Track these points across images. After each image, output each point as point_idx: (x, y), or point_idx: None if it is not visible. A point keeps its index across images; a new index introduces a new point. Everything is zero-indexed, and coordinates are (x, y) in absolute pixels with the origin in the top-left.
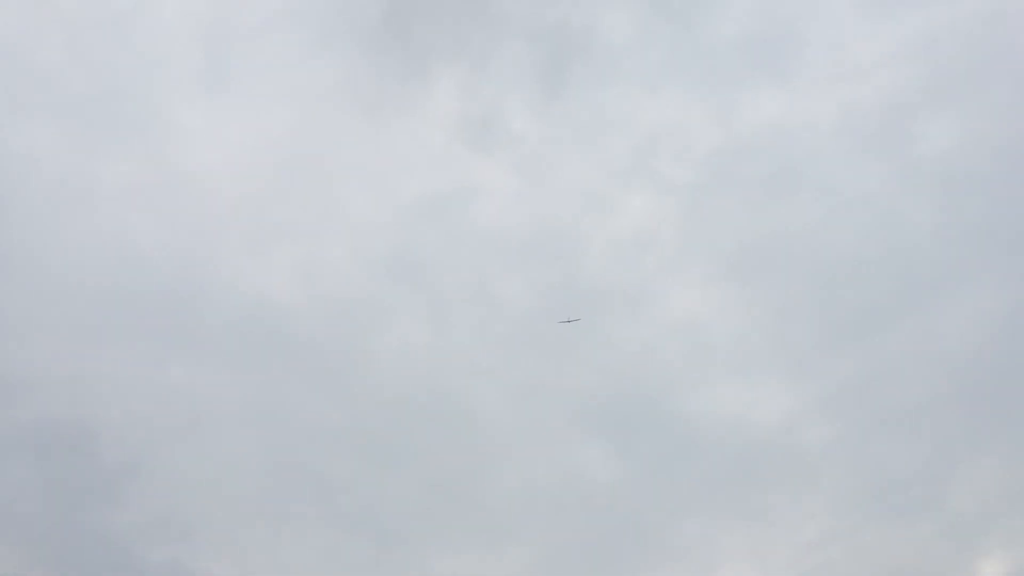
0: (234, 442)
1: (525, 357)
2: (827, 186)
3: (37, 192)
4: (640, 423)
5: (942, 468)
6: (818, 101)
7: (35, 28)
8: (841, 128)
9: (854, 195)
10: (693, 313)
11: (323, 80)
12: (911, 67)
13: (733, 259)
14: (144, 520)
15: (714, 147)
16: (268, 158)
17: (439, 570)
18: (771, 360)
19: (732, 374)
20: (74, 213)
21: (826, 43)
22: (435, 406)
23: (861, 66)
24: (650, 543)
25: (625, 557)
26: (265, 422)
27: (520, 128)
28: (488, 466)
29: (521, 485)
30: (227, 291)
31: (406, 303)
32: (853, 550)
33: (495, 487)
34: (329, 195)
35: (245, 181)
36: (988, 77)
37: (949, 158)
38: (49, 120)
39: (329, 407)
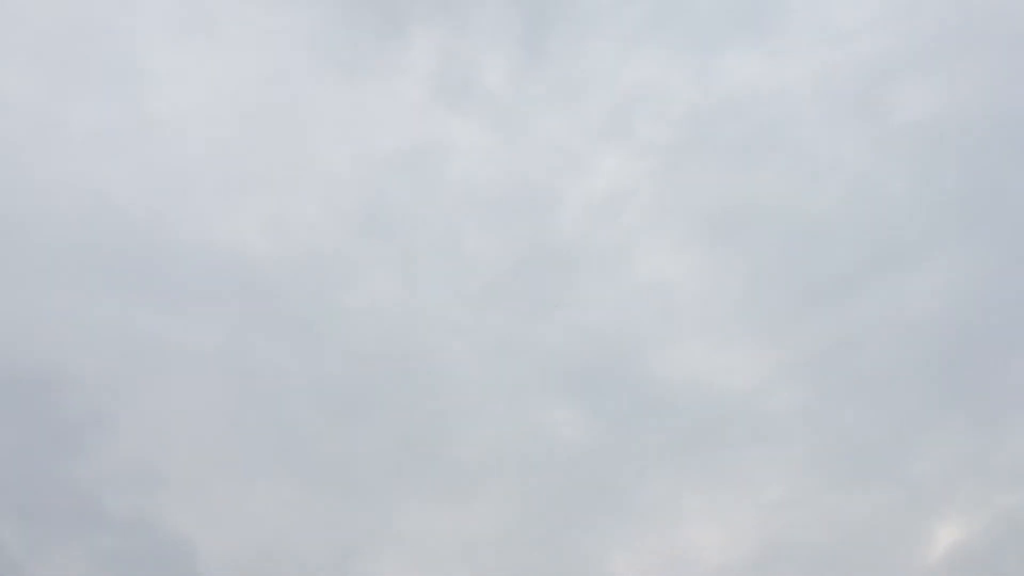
0: (201, 393)
1: (496, 315)
2: (803, 151)
3: (3, 133)
4: (609, 383)
5: (905, 435)
6: (797, 65)
7: None
8: (819, 93)
9: (830, 161)
10: (666, 275)
11: (299, 31)
12: (891, 34)
13: (707, 221)
14: (109, 470)
15: (691, 108)
16: (241, 107)
17: (405, 524)
18: (742, 324)
19: (702, 337)
20: (41, 155)
21: (808, 7)
22: (405, 362)
23: (842, 31)
24: (616, 502)
25: (591, 515)
26: (233, 373)
27: (497, 86)
28: (457, 423)
29: (489, 442)
30: (197, 240)
31: (378, 258)
32: (815, 512)
33: (463, 444)
34: (302, 147)
35: (217, 129)
36: (967, 48)
37: (926, 127)
38: (18, 61)
39: (298, 360)
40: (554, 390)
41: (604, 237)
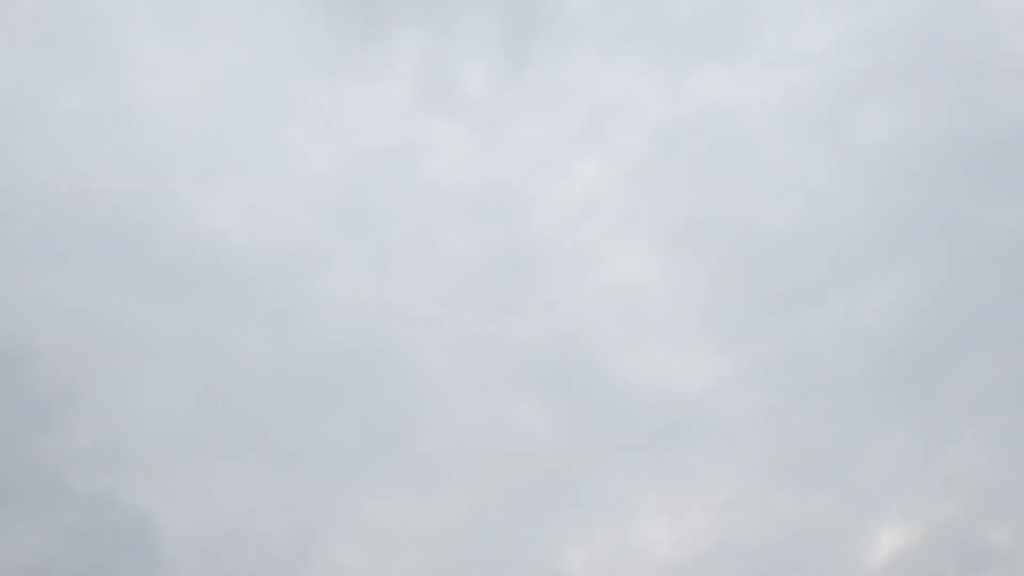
0: (171, 375)
1: (467, 311)
2: (767, 166)
3: None
4: (574, 382)
5: (852, 442)
6: (765, 84)
7: None
8: (785, 111)
9: (792, 177)
10: (632, 280)
11: (284, 27)
12: (854, 59)
13: (674, 230)
14: (75, 448)
15: (663, 120)
16: (223, 98)
17: (368, 511)
18: (703, 330)
19: (664, 341)
20: (19, 136)
21: (778, 28)
22: (375, 354)
23: (807, 54)
24: (575, 497)
25: (550, 510)
26: (203, 358)
27: (477, 92)
28: (423, 415)
29: (454, 436)
30: (173, 225)
31: (352, 251)
32: (765, 513)
33: (429, 436)
34: (282, 139)
35: (199, 117)
36: (924, 75)
37: (885, 149)
38: (1, 39)
39: (268, 347)
40: (520, 387)
41: (574, 241)
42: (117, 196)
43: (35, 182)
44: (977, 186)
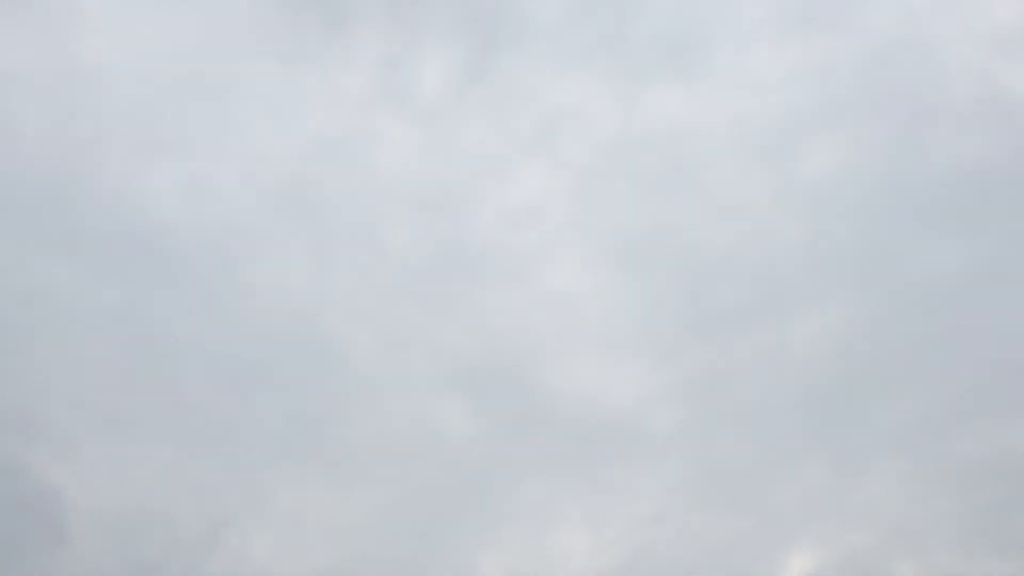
0: (91, 347)
1: (403, 307)
2: (711, 189)
3: None
4: (502, 387)
5: (770, 467)
6: (717, 107)
7: None
8: (734, 136)
9: (735, 201)
10: (569, 289)
11: (243, 8)
12: (804, 92)
13: (614, 244)
14: None
15: (613, 134)
16: (173, 70)
17: (283, 501)
18: (634, 345)
19: (595, 352)
20: None
21: (734, 54)
22: (306, 342)
23: (759, 82)
24: (493, 502)
25: (468, 512)
26: (129, 332)
27: (433, 90)
28: (349, 408)
29: (379, 431)
30: (108, 194)
31: (291, 237)
32: (682, 530)
33: (353, 430)
34: (229, 117)
35: (145, 86)
36: (871, 114)
37: (827, 182)
38: None
39: (197, 327)
40: (448, 387)
41: (516, 246)
42: (52, 160)
43: None
44: (914, 228)
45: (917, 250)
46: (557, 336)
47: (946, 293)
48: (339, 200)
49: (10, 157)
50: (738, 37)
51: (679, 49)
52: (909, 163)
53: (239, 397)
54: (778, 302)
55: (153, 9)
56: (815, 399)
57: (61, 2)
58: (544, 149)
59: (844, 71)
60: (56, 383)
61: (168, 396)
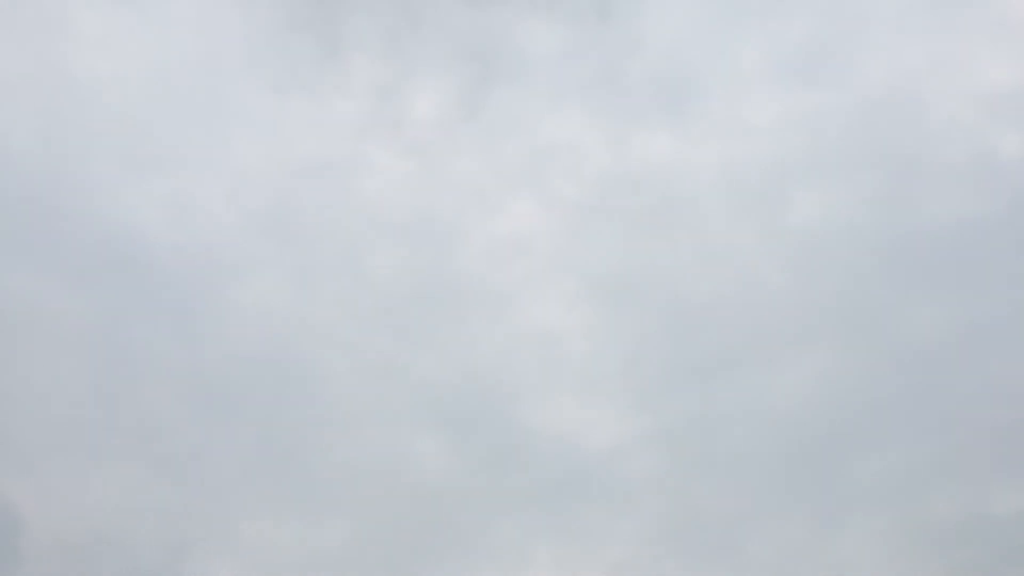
0: (60, 365)
1: (383, 337)
2: (699, 232)
3: None
4: (480, 423)
5: (746, 519)
6: (707, 151)
7: None
8: (723, 182)
9: (722, 247)
10: (553, 327)
11: (239, 27)
12: (794, 140)
13: (600, 283)
14: None
15: (603, 172)
16: (164, 87)
17: (248, 531)
18: (615, 388)
19: (576, 394)
20: None
21: (726, 100)
22: (282, 368)
23: (751, 128)
24: (466, 540)
25: (440, 548)
26: (100, 350)
27: (425, 120)
28: (323, 437)
29: (351, 462)
30: (90, 208)
31: (275, 261)
32: None
33: (325, 459)
34: (217, 137)
35: (135, 101)
36: (862, 166)
37: (814, 232)
38: None
39: (171, 348)
40: (425, 422)
41: (500, 280)
42: (36, 169)
43: None
44: (901, 283)
45: (903, 307)
46: (537, 374)
47: (931, 352)
48: (324, 226)
49: None
50: (732, 83)
51: (673, 91)
52: (897, 218)
53: (210, 421)
54: (761, 352)
55: (147, 24)
56: (795, 453)
57: (52, 12)
58: (533, 184)
59: (836, 122)
60: (24, 399)
61: (137, 416)
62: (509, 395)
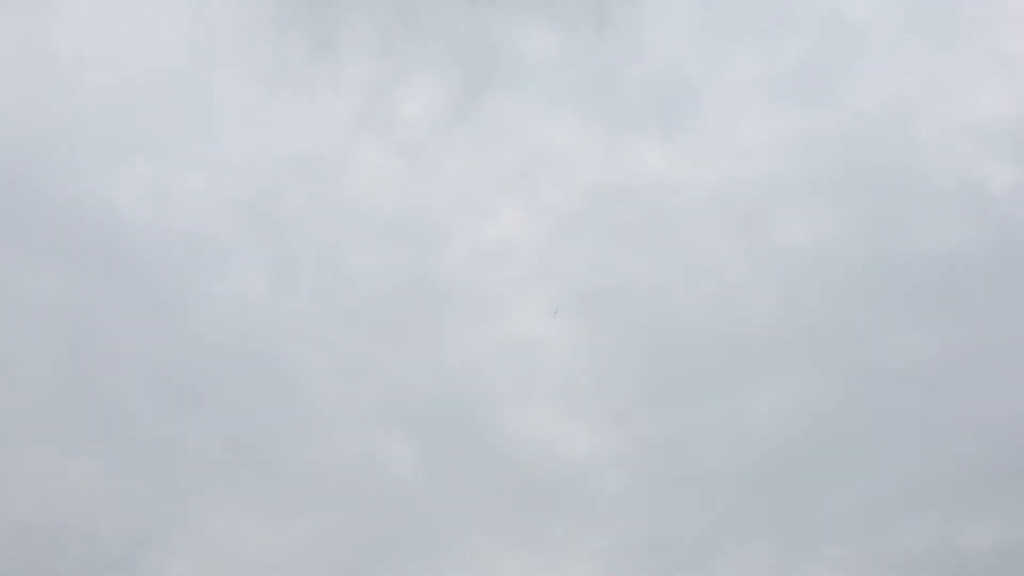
0: (28, 351)
1: (361, 336)
2: (687, 248)
3: None
4: (453, 429)
5: (718, 540)
6: (699, 167)
7: None
8: (713, 199)
9: (709, 264)
10: (534, 335)
11: (233, 18)
12: (786, 160)
13: (584, 293)
14: None
15: (593, 182)
16: (152, 69)
17: (211, 526)
18: (592, 400)
19: (553, 403)
20: None
21: (721, 117)
22: (256, 363)
23: (743, 147)
24: (432, 546)
25: (406, 553)
26: (71, 338)
27: (416, 121)
28: (292, 436)
29: (321, 462)
30: (68, 190)
31: (255, 253)
32: None
33: (295, 458)
34: (202, 124)
35: (121, 85)
36: (853, 189)
37: (801, 254)
38: None
39: (143, 336)
40: (399, 424)
41: (483, 285)
42: (15, 148)
43: None
44: (885, 310)
45: (884, 334)
46: (514, 383)
47: (907, 381)
48: (307, 221)
49: None
50: (727, 98)
51: (668, 103)
52: (886, 243)
53: (177, 412)
54: (741, 373)
55: (138, 7)
56: (768, 477)
57: None
58: (523, 190)
59: (829, 144)
60: None
61: (102, 405)
62: (484, 402)
